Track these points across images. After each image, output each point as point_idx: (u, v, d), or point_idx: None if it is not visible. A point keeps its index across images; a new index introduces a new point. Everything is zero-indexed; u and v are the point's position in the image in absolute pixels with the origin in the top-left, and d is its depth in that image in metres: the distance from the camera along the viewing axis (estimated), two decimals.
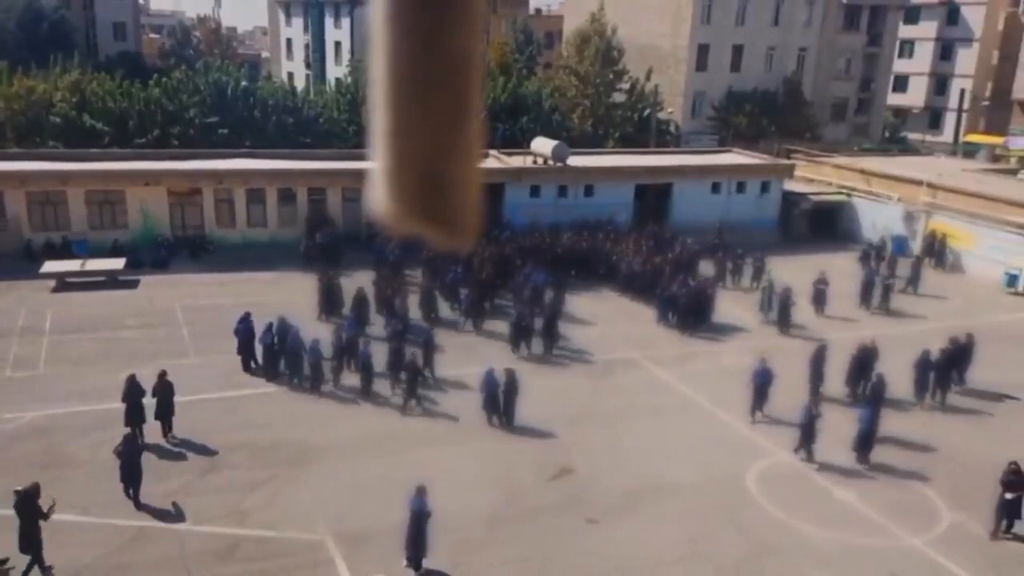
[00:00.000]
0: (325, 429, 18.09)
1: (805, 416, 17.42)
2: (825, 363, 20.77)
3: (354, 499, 15.37)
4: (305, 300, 25.65)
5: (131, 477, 14.84)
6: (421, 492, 13.37)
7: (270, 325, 20.58)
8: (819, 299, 26.91)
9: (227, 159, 34.06)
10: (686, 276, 27.62)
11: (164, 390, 17.25)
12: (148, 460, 16.31)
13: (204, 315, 24.51)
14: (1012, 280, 31.41)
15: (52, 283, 27.17)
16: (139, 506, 14.82)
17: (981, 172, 41.30)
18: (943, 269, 33.58)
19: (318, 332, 21.34)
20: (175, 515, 14.68)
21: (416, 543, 13.27)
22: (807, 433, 17.31)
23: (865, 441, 17.30)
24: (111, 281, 27.58)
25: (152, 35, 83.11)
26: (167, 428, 17.36)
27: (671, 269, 28.00)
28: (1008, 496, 14.74)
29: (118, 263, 28.40)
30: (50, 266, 27.69)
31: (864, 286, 27.70)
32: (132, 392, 16.87)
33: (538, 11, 75.66)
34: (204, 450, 16.97)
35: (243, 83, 41.81)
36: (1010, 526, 14.99)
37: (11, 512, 12.94)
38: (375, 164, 1.08)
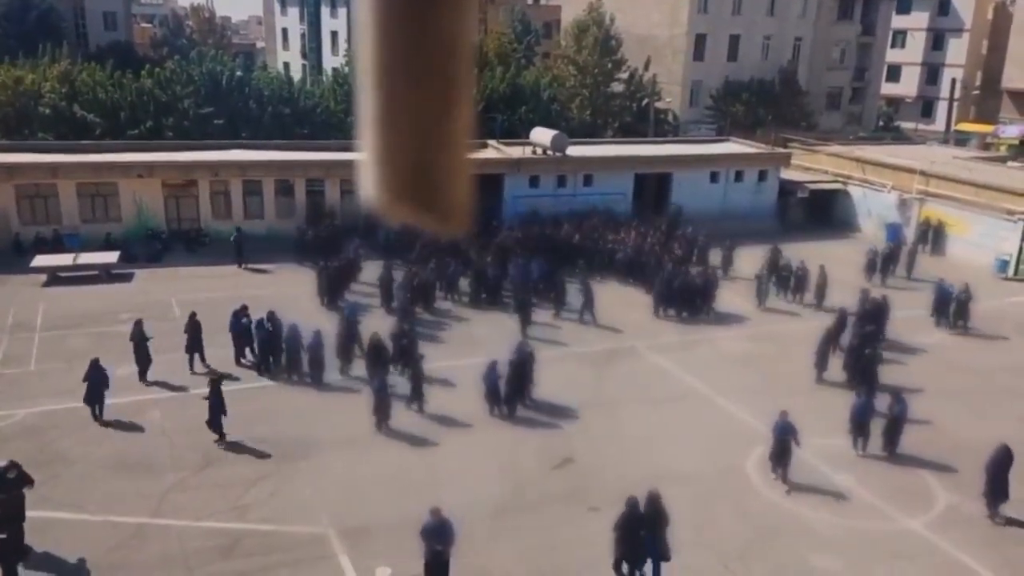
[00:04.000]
0: (324, 422, 17.89)
1: (861, 412, 17.35)
2: (831, 350, 20.99)
3: (356, 492, 15.21)
4: (303, 292, 25.45)
5: (94, 398, 17.35)
6: (436, 514, 12.31)
7: (261, 320, 20.39)
8: (820, 292, 26.81)
9: (223, 150, 33.66)
10: (687, 264, 27.55)
11: (193, 329, 20.05)
12: (147, 457, 16.24)
13: (200, 309, 23.95)
14: (1003, 266, 31.89)
15: (43, 278, 26.80)
16: (103, 422, 17.34)
17: (972, 160, 41.55)
18: (937, 255, 33.81)
19: (319, 322, 21.17)
20: (174, 511, 14.45)
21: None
22: (861, 428, 17.34)
23: (893, 432, 17.30)
24: (104, 275, 27.25)
25: (144, 24, 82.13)
26: (199, 360, 20.18)
27: (674, 257, 27.88)
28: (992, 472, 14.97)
29: (111, 257, 28.05)
30: (41, 260, 27.27)
31: (937, 305, 25.71)
32: (138, 334, 19.23)
33: (536, 0, 75.11)
34: (202, 445, 16.71)
35: (238, 73, 41.34)
36: (994, 507, 15.14)
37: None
38: (364, 152, 1.07)
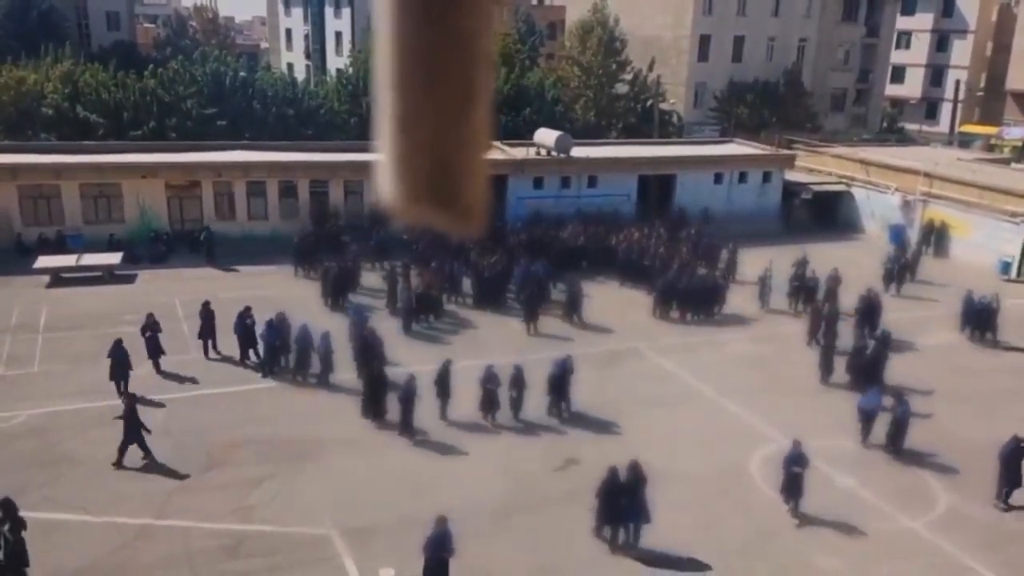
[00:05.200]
0: (328, 423, 17.88)
1: (870, 407, 17.57)
2: (835, 350, 21.11)
3: (359, 493, 15.20)
4: (307, 293, 25.46)
5: (118, 374, 18.21)
6: (441, 523, 12.29)
7: (270, 322, 20.34)
8: (832, 295, 26.66)
9: (226, 151, 33.67)
10: (693, 266, 27.53)
11: (207, 317, 20.85)
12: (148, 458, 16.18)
13: None
14: (1006, 267, 31.85)
15: (46, 279, 26.79)
16: (122, 395, 17.43)
17: (976, 162, 41.51)
18: (940, 257, 33.76)
19: (325, 323, 21.20)
20: (178, 512, 14.44)
21: None
22: (868, 421, 17.60)
23: (897, 433, 17.32)
24: (108, 276, 27.24)
25: (147, 24, 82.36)
26: (211, 347, 20.97)
27: (681, 259, 27.81)
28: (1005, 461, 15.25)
29: (115, 257, 28.04)
30: (44, 261, 27.24)
31: (965, 315, 25.19)
32: (150, 327, 19.86)
33: (540, 1, 74.97)
34: (206, 446, 16.69)
35: (242, 74, 41.34)
36: (1002, 494, 15.43)
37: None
38: (381, 151, 1.05)
